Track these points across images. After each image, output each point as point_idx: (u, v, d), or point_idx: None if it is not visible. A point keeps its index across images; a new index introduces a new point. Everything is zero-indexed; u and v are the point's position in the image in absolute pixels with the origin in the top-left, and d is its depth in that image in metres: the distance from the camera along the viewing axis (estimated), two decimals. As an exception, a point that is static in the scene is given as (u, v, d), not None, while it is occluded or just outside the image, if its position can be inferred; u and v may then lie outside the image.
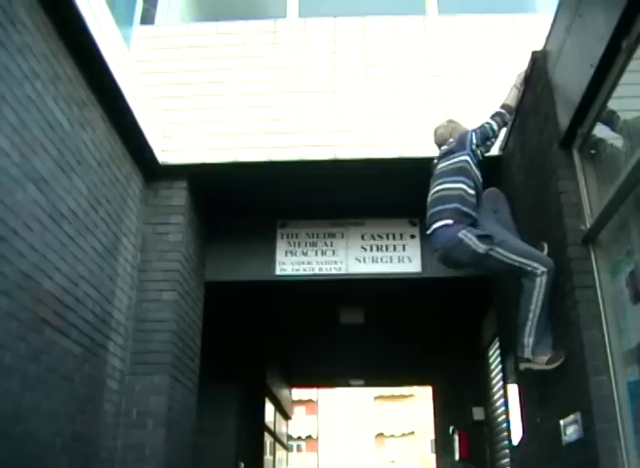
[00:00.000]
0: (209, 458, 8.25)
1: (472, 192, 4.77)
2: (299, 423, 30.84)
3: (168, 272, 5.94)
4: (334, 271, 6.77)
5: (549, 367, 4.35)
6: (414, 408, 34.07)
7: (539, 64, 4.83)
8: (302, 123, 6.19)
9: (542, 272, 4.35)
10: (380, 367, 12.28)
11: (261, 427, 11.33)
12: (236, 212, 6.78)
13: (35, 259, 4.10)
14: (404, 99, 6.24)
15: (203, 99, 6.32)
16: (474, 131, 4.97)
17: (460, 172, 4.81)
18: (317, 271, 6.77)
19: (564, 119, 4.35)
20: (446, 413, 11.23)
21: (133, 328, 5.73)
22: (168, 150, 6.11)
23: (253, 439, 10.57)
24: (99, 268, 5.06)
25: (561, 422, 4.31)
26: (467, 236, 4.54)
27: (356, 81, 6.35)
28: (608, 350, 3.91)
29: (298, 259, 6.81)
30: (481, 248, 4.49)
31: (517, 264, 4.45)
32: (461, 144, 4.96)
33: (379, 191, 6.55)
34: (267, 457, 11.97)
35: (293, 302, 8.34)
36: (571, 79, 4.27)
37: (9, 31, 3.84)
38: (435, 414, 12.79)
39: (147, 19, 6.86)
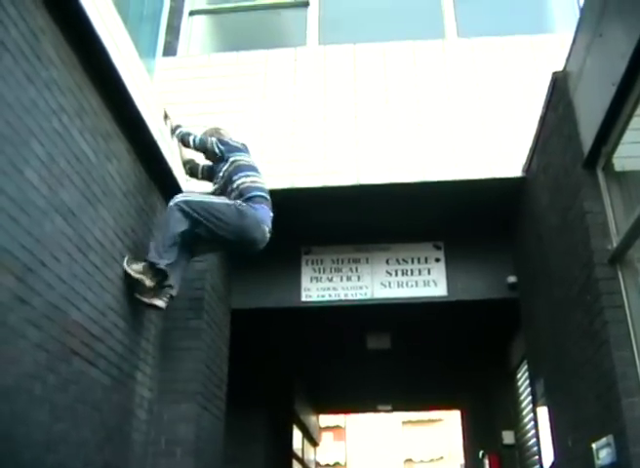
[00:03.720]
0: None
1: None
2: (327, 449, 30.52)
3: (194, 300, 5.97)
4: (359, 296, 6.76)
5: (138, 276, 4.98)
6: (442, 432, 33.53)
7: (559, 85, 4.83)
8: (325, 149, 6.23)
9: None
10: (408, 391, 12.18)
11: (289, 454, 11.25)
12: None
13: (63, 290, 4.14)
14: (425, 123, 6.26)
15: (225, 129, 6.37)
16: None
17: None
18: (343, 297, 6.78)
19: (587, 138, 4.34)
20: (475, 437, 11.08)
21: (160, 356, 5.74)
22: (192, 179, 6.16)
23: (281, 466, 10.49)
24: (125, 298, 5.09)
25: (593, 446, 4.24)
26: None
27: (377, 106, 6.39)
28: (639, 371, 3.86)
29: (323, 285, 6.82)
30: None
31: None
32: None
33: (402, 215, 6.57)
34: (296, 485, 11.87)
35: (319, 328, 8.32)
36: (593, 98, 4.26)
37: (36, 67, 3.92)
38: (464, 438, 12.65)
39: (170, 50, 6.97)
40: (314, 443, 14.97)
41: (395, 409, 15.04)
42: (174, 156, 5.87)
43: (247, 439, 8.67)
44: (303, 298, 6.81)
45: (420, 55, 6.60)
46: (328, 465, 33.86)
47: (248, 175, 5.19)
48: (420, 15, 7.17)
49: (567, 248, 4.80)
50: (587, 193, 4.39)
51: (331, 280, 6.83)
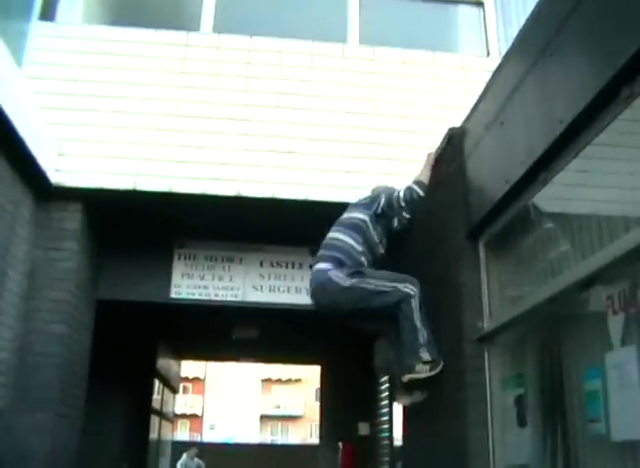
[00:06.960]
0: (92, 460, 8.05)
1: (360, 249, 4.78)
2: (187, 367, 30.90)
3: (57, 302, 5.65)
4: (230, 298, 6.64)
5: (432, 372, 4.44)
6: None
7: (454, 142, 4.73)
8: (208, 152, 5.93)
9: (415, 293, 4.49)
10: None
11: (148, 410, 11.17)
12: (133, 229, 6.47)
13: None
14: (315, 136, 6.06)
15: (104, 116, 5.93)
16: (386, 194, 4.91)
17: (354, 228, 4.85)
18: (213, 297, 6.63)
19: (474, 213, 4.31)
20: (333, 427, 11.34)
21: (17, 362, 5.44)
22: (63, 170, 5.74)
23: (139, 423, 10.44)
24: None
25: None
26: (336, 274, 4.59)
27: (267, 111, 6.10)
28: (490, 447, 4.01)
29: (194, 283, 6.63)
30: (347, 281, 4.53)
31: (388, 289, 4.51)
32: (370, 204, 4.97)
33: (279, 219, 6.39)
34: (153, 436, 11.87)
35: (185, 316, 8.19)
36: (485, 181, 4.21)
37: None
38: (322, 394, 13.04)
39: (49, 13, 6.31)
40: (174, 390, 14.96)
41: (258, 361, 15.23)
42: (40, 144, 5.37)
43: (108, 409, 8.52)
44: (172, 294, 6.61)
45: (319, 58, 6.30)
46: (187, 379, 34.48)
47: None
48: (323, 14, 6.81)
49: (438, 307, 4.78)
50: (466, 264, 4.39)
51: (202, 278, 6.65)
